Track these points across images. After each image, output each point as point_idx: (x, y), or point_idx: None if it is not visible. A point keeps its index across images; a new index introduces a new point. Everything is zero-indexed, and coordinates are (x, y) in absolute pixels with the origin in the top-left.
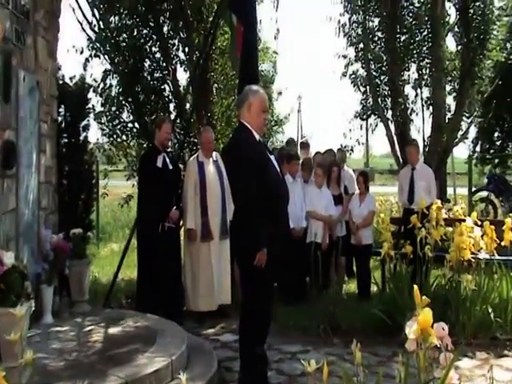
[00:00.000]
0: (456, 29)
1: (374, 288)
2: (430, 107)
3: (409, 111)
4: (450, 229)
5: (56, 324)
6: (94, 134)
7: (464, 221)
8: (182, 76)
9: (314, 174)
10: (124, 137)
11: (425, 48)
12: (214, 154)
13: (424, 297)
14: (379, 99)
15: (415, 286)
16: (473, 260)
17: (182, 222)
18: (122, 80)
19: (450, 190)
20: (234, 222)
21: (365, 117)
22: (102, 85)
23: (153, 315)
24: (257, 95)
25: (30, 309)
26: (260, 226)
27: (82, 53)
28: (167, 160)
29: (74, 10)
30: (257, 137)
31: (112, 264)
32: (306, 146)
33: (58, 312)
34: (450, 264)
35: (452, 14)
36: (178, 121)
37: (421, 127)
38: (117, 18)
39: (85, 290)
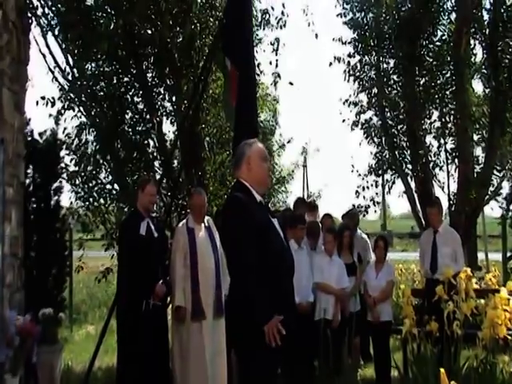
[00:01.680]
0: (483, 70)
1: (394, 373)
2: (456, 160)
3: (431, 165)
4: (482, 301)
5: None
6: (67, 197)
7: (498, 291)
8: (169, 129)
9: (322, 240)
10: (102, 200)
11: (448, 92)
12: (206, 218)
13: (453, 382)
14: (396, 152)
15: (442, 370)
16: (509, 338)
17: (169, 299)
18: (99, 135)
19: (481, 256)
20: (231, 297)
21: (380, 172)
22: (76, 141)
23: None
24: (253, 146)
25: None
26: (261, 299)
27: (53, 105)
28: (152, 227)
29: (44, 56)
30: (257, 197)
31: (88, 350)
32: (313, 207)
33: None
34: (483, 343)
35: (478, 53)
36: (165, 181)
37: (445, 183)
38: (93, 64)
39: (56, 380)
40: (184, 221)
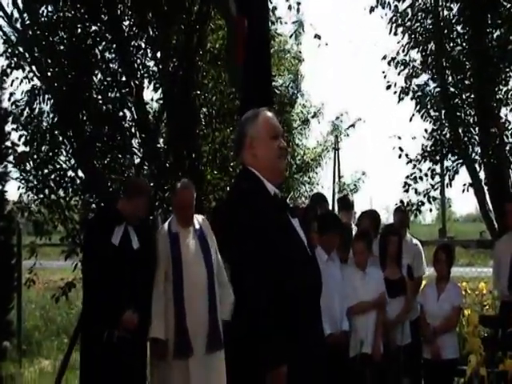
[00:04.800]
0: None
1: None
2: None
3: (507, 148)
4: None
5: None
6: (15, 188)
7: None
8: (152, 96)
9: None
10: (61, 192)
11: None
12: (198, 218)
13: None
14: (461, 130)
15: None
16: None
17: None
18: (57, 104)
19: None
20: (235, 325)
21: (438, 157)
22: (26, 111)
23: None
24: (256, 121)
25: None
26: (277, 332)
27: None
28: (132, 233)
29: None
30: (271, 189)
31: None
32: (346, 204)
33: None
34: None
35: None
36: (146, 167)
37: None
38: (50, 7)
39: None
40: (166, 223)
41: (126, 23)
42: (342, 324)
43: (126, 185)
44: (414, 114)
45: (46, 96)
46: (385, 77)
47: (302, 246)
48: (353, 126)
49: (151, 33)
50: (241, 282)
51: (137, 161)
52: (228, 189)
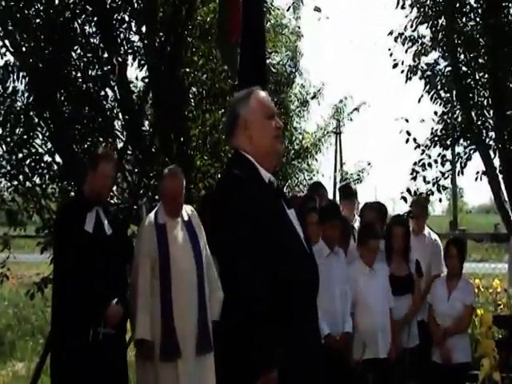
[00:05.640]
0: None
1: None
2: None
3: None
4: None
5: None
6: None
7: None
8: (137, 74)
9: (357, 244)
10: (37, 179)
11: None
12: (186, 209)
13: None
14: (473, 112)
15: None
16: None
17: (129, 325)
18: (33, 82)
19: None
20: (224, 323)
21: (449, 142)
22: None
23: None
24: (249, 101)
25: None
26: (269, 331)
27: None
28: (104, 220)
29: None
30: (265, 175)
31: None
32: (349, 193)
33: None
34: None
35: None
36: (130, 151)
37: None
38: None
39: None
40: (151, 214)
41: None
42: (344, 325)
43: (88, 156)
44: (422, 96)
45: (21, 73)
46: (391, 54)
47: (298, 240)
48: (357, 109)
49: (135, 5)
50: (233, 270)
51: (120, 145)
52: (219, 176)
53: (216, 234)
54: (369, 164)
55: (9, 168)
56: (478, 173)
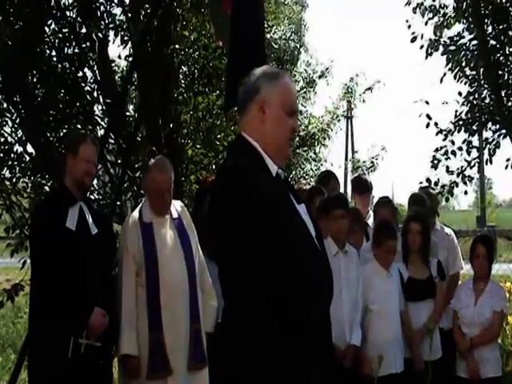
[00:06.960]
0: None
1: None
2: None
3: None
4: None
5: None
6: None
7: None
8: (119, 52)
9: (372, 244)
10: (6, 172)
11: None
12: (176, 205)
13: None
14: (503, 92)
15: None
16: None
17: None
18: (1, 62)
19: None
20: (222, 336)
21: (476, 127)
22: None
23: None
24: (275, 82)
25: None
26: (275, 347)
27: None
28: (88, 216)
29: None
30: (273, 168)
31: None
32: (362, 185)
33: None
34: None
35: None
36: (112, 140)
37: None
38: None
39: None
40: (136, 211)
41: None
42: (351, 336)
43: (66, 140)
44: (445, 74)
45: None
46: (409, 27)
47: (310, 238)
48: (370, 89)
49: None
50: (237, 272)
51: (101, 132)
52: (215, 167)
53: (216, 234)
54: (383, 149)
55: None
56: (508, 160)
